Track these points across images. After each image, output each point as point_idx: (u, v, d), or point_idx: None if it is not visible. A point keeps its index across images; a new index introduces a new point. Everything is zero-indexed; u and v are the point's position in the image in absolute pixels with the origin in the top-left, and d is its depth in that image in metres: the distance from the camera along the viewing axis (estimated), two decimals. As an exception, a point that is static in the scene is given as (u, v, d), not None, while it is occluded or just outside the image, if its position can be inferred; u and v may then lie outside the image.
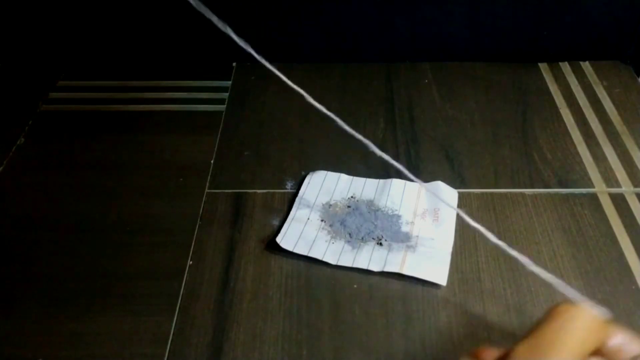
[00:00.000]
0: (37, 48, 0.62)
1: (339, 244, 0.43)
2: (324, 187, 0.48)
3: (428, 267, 0.41)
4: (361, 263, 0.42)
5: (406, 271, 0.41)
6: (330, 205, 0.46)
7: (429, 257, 0.42)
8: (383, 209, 0.46)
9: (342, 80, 0.61)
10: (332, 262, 0.42)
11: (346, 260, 0.42)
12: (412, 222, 0.45)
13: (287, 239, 0.43)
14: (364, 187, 0.48)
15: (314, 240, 0.43)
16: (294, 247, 0.43)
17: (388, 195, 0.47)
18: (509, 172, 0.50)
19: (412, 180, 0.35)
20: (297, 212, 0.46)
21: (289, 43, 0.62)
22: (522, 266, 0.41)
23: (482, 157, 0.52)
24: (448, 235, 0.44)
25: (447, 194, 0.47)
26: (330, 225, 0.45)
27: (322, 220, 0.45)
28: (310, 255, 0.42)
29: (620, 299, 0.40)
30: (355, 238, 0.43)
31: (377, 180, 0.48)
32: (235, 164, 0.50)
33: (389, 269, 0.41)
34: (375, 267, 0.41)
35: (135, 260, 0.43)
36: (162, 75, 0.61)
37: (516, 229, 0.45)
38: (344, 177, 0.49)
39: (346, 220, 0.45)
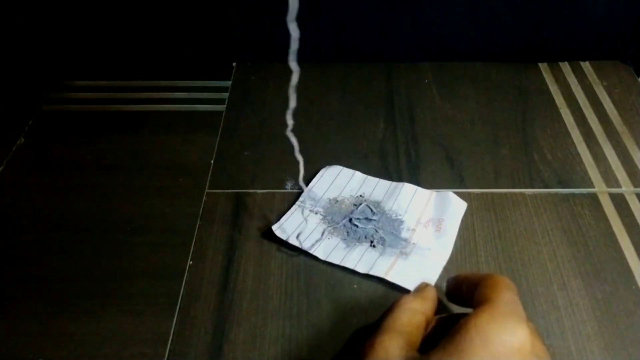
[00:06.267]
0: (38, 48, 0.62)
1: (334, 241, 0.43)
2: (335, 182, 0.48)
3: (414, 277, 0.40)
4: (349, 263, 0.42)
5: (391, 277, 0.40)
6: (336, 201, 0.46)
7: (419, 267, 0.41)
8: (388, 212, 0.45)
9: (342, 80, 0.61)
10: (322, 257, 0.42)
11: (336, 258, 0.42)
12: (414, 229, 0.44)
13: (282, 229, 0.43)
14: (375, 188, 0.48)
15: (310, 234, 0.43)
16: (288, 237, 0.43)
17: (396, 199, 0.46)
18: (509, 172, 0.50)
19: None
20: (301, 205, 0.46)
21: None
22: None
23: (482, 157, 0.52)
24: (446, 247, 0.43)
25: (455, 206, 0.46)
26: (330, 222, 0.45)
27: (323, 216, 0.45)
28: (302, 247, 0.42)
29: (620, 299, 0.40)
30: (352, 237, 0.43)
31: (390, 182, 0.48)
32: (235, 164, 0.50)
33: (375, 273, 0.41)
34: (361, 269, 0.41)
35: (135, 260, 0.43)
36: (162, 75, 0.61)
37: (516, 229, 0.45)
38: (358, 174, 0.49)
39: (347, 219, 0.44)
